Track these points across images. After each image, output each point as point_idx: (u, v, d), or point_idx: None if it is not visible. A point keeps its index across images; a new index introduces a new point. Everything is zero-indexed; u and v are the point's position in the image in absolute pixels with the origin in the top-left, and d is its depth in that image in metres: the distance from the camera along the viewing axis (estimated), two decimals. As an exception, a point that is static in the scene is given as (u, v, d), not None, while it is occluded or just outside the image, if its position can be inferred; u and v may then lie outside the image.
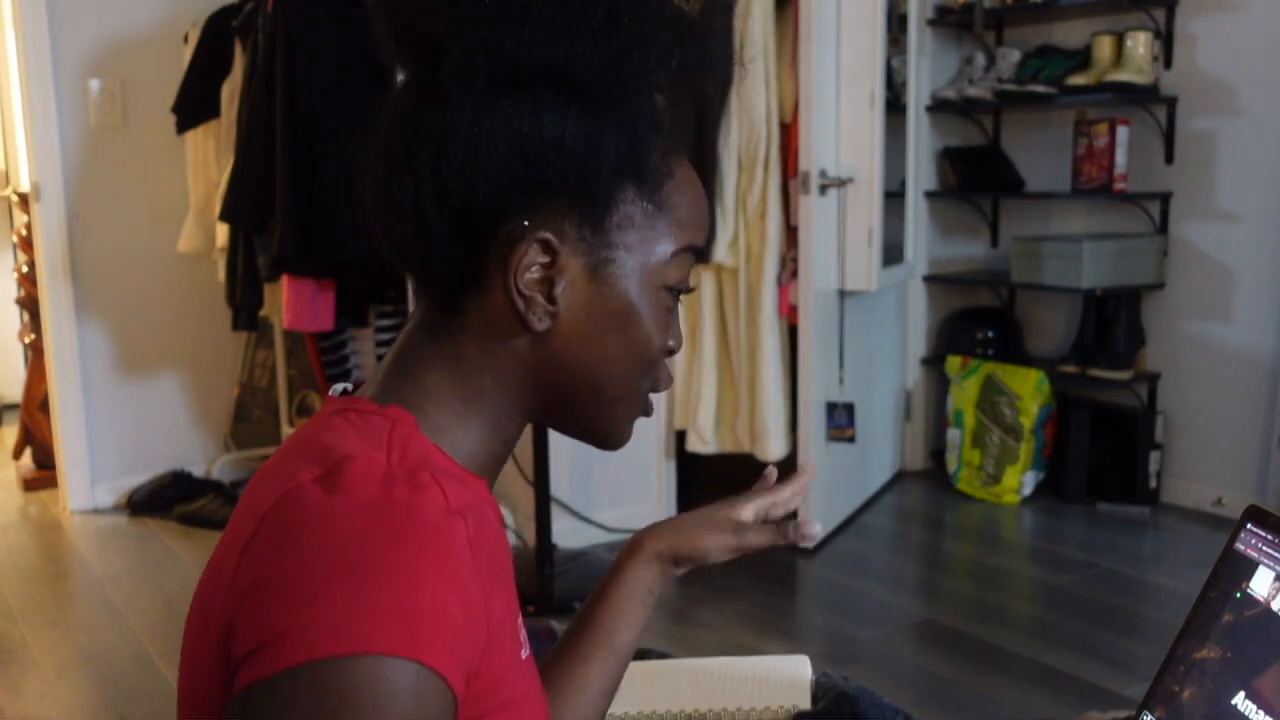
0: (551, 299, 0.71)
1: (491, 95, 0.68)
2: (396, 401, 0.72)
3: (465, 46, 0.67)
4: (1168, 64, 3.57)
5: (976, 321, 4.04)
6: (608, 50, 0.68)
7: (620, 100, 0.70)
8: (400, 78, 0.75)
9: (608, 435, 0.79)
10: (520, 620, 0.76)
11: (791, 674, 1.24)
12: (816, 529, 0.95)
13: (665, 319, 0.75)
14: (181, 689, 0.70)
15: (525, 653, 0.75)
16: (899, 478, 4.05)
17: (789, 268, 3.27)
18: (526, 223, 0.69)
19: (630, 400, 0.77)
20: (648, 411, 0.80)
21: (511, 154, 0.68)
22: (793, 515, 1.02)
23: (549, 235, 0.70)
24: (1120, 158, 3.57)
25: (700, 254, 0.77)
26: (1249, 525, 0.88)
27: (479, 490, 0.71)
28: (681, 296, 0.77)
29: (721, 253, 3.29)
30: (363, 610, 0.58)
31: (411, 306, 3.24)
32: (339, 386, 0.78)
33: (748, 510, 0.98)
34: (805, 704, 1.18)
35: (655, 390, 0.78)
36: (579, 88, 0.69)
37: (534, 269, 0.70)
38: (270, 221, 3.20)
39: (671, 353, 0.78)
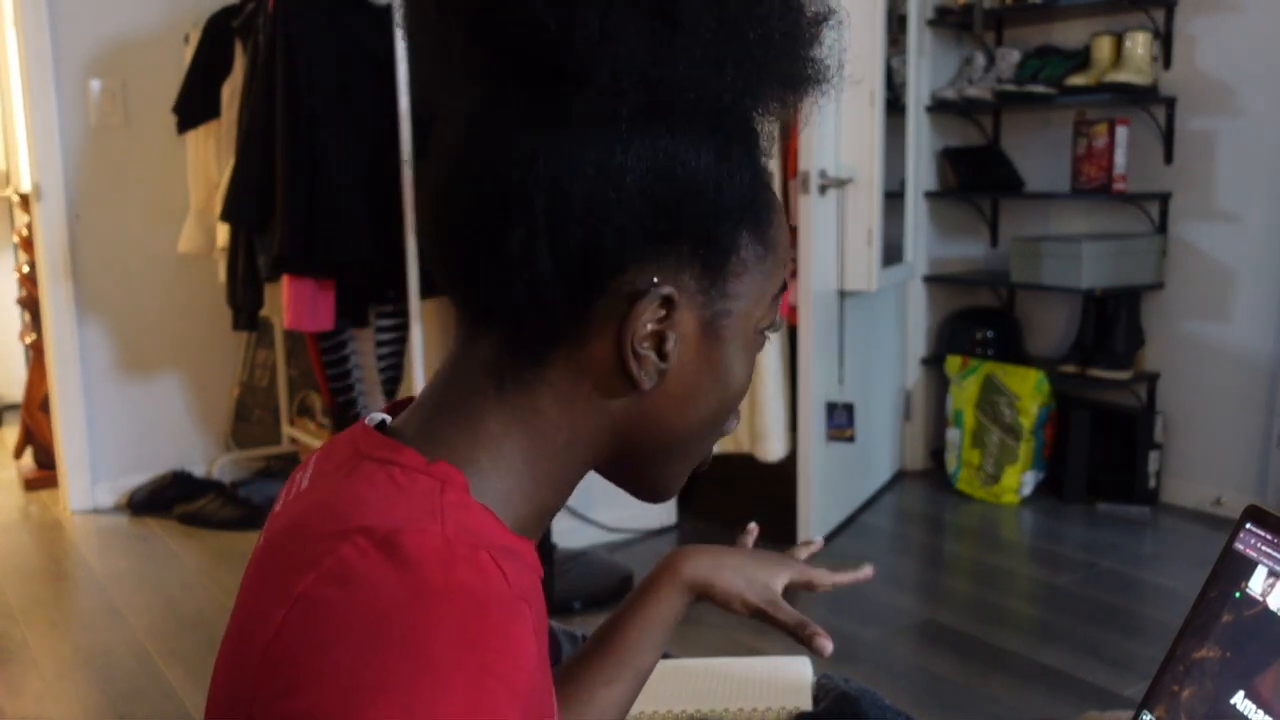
0: (663, 355, 0.63)
1: (632, 131, 0.59)
2: (446, 454, 0.63)
3: (612, 76, 0.58)
4: (1167, 64, 3.57)
5: (976, 321, 4.04)
6: (736, 77, 0.61)
7: (741, 133, 0.64)
8: (477, 98, 0.64)
9: (667, 489, 0.73)
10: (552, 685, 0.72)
11: (793, 675, 1.24)
12: (829, 647, 0.90)
13: (753, 363, 0.70)
14: None
15: None
16: (899, 478, 4.05)
17: (789, 268, 3.27)
18: (656, 279, 0.62)
19: (702, 453, 0.72)
20: (707, 462, 0.74)
21: (642, 198, 0.60)
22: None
23: (672, 290, 0.62)
24: (1120, 158, 3.58)
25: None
26: (1248, 525, 0.88)
27: (528, 557, 0.64)
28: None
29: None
30: (421, 715, 0.51)
31: (413, 309, 3.25)
32: (376, 417, 0.69)
33: (785, 578, 0.96)
34: (806, 705, 1.18)
35: (725, 434, 0.72)
36: (716, 122, 0.62)
37: (649, 325, 0.62)
38: (270, 221, 3.20)
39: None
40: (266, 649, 0.56)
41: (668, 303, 0.62)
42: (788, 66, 0.63)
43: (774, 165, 3.26)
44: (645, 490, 0.73)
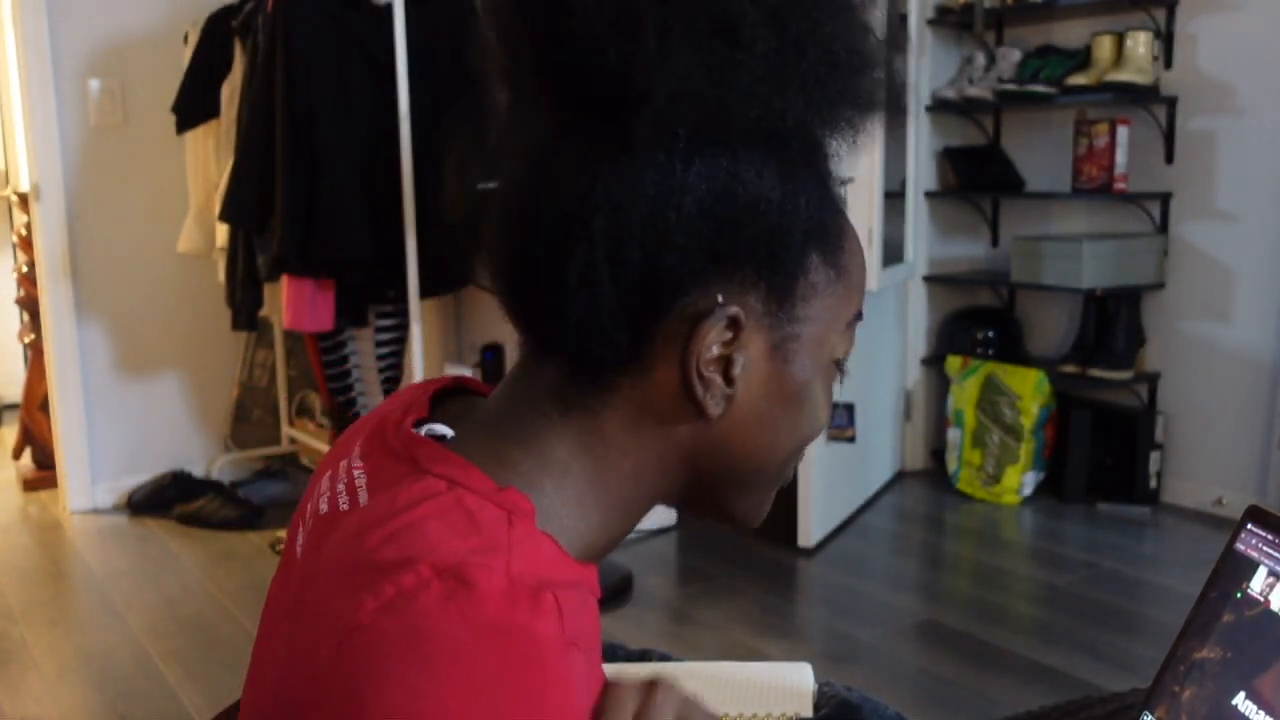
0: (729, 380, 0.63)
1: (690, 154, 0.59)
2: (514, 478, 0.61)
3: (669, 96, 0.58)
4: (1168, 64, 3.57)
5: (976, 321, 4.04)
6: (800, 99, 0.60)
7: (809, 156, 0.63)
8: (542, 117, 0.63)
9: (751, 517, 0.71)
10: None
11: (793, 681, 1.24)
12: None
13: (830, 395, 0.69)
14: None
15: None
16: (899, 478, 4.05)
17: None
18: (720, 298, 0.61)
19: (781, 480, 0.70)
20: (786, 481, 0.72)
21: (703, 218, 0.59)
22: None
23: (737, 310, 0.61)
24: (1120, 158, 3.57)
25: (860, 316, 0.69)
26: (1249, 525, 0.87)
27: (589, 581, 0.62)
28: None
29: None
30: None
31: (412, 309, 3.25)
32: (437, 429, 0.67)
33: None
34: (807, 712, 1.17)
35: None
36: (778, 142, 0.61)
37: (715, 348, 0.62)
38: (270, 221, 3.20)
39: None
40: (317, 676, 0.55)
41: (734, 325, 0.62)
42: (853, 87, 0.62)
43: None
44: (728, 519, 0.71)
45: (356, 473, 0.65)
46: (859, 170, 3.29)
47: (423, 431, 0.66)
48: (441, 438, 0.66)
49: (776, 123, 0.60)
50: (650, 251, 0.59)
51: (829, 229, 0.64)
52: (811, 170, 0.63)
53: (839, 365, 0.69)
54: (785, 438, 0.67)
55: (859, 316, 0.69)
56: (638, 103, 0.58)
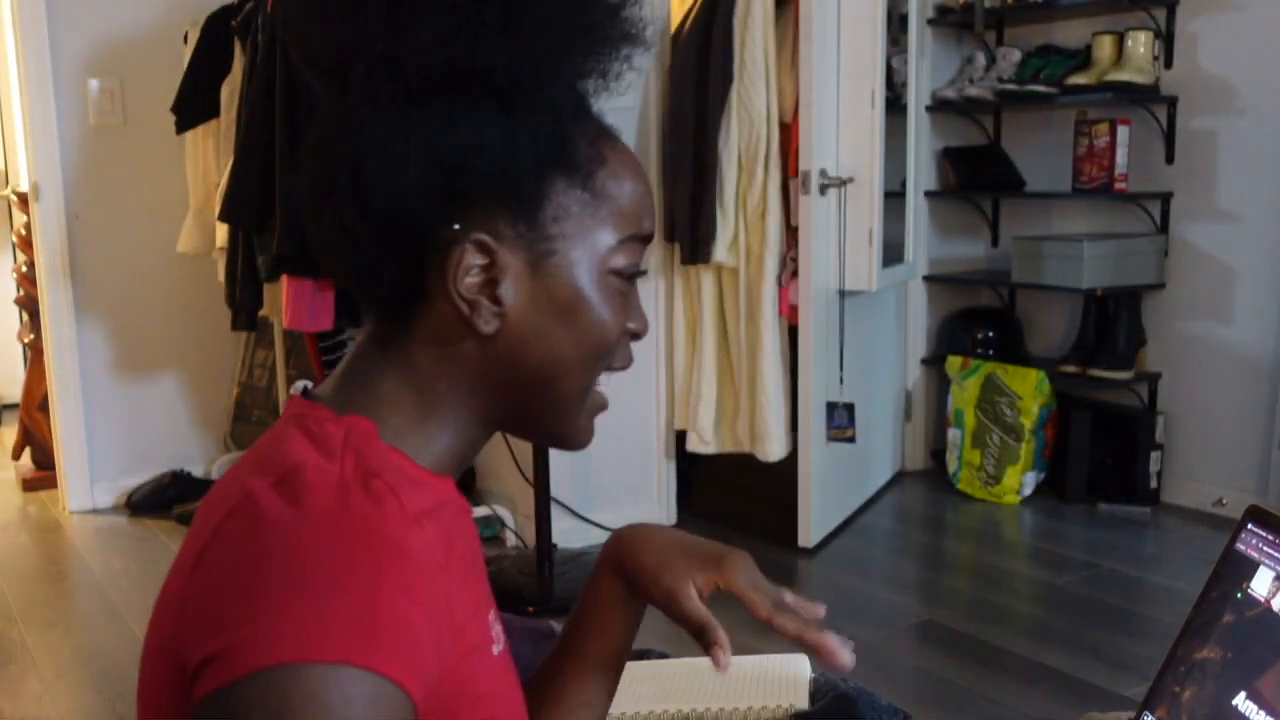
0: (496, 299, 0.70)
1: (399, 108, 0.66)
2: (354, 409, 0.71)
3: (364, 63, 0.67)
4: (1168, 64, 3.56)
5: (977, 321, 4.04)
6: (507, 47, 0.66)
7: (531, 94, 0.68)
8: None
9: (568, 434, 0.76)
10: (493, 615, 0.75)
11: (790, 674, 1.24)
12: (724, 660, 0.83)
13: (619, 302, 0.73)
14: (141, 713, 0.68)
15: (498, 648, 0.74)
16: (899, 478, 4.05)
17: (789, 268, 3.27)
18: (457, 226, 0.68)
19: (586, 396, 0.75)
20: (602, 406, 0.77)
21: (429, 164, 0.66)
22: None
23: (483, 236, 0.68)
24: (1120, 158, 3.57)
25: (646, 240, 0.75)
26: (1250, 525, 0.87)
27: (440, 490, 0.71)
28: (636, 280, 0.75)
29: (721, 253, 3.28)
30: (316, 619, 0.57)
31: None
32: (300, 384, 0.77)
33: (705, 577, 0.85)
34: (803, 704, 1.18)
35: (612, 370, 0.76)
36: (485, 89, 0.67)
37: (474, 271, 0.69)
38: (270, 221, 3.20)
39: (635, 335, 0.76)
40: (187, 581, 0.63)
41: (484, 249, 0.68)
42: (549, 29, 0.68)
43: (774, 165, 3.25)
44: (554, 436, 0.77)
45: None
46: (859, 170, 3.29)
47: (293, 390, 0.77)
48: (305, 390, 0.75)
49: (475, 73, 0.66)
50: (390, 197, 0.67)
51: (570, 155, 0.70)
52: (537, 105, 0.68)
53: (624, 276, 0.73)
54: (569, 346, 0.72)
55: (644, 238, 0.74)
56: (344, 67, 0.68)
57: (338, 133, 0.69)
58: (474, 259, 0.69)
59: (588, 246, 0.71)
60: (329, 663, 0.56)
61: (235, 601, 0.59)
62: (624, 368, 0.77)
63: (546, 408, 0.75)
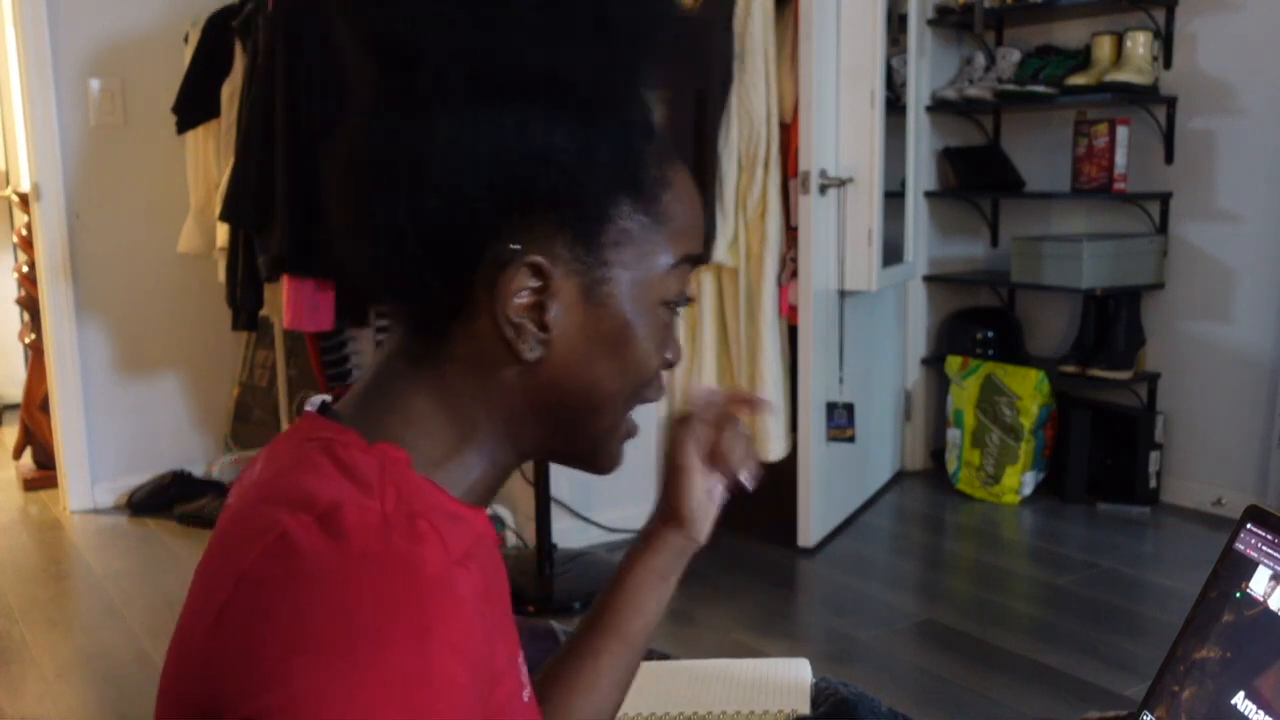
0: (543, 325, 0.65)
1: (473, 106, 0.62)
2: (384, 435, 0.66)
3: (444, 54, 0.62)
4: (1168, 64, 3.57)
5: (976, 321, 4.04)
6: (597, 55, 0.63)
7: (612, 107, 0.65)
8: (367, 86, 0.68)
9: (601, 462, 0.74)
10: (521, 659, 0.73)
11: (791, 678, 1.24)
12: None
13: (662, 335, 0.71)
14: None
15: (527, 694, 0.72)
16: (899, 478, 4.05)
17: (789, 268, 3.27)
18: (516, 246, 0.63)
19: (618, 423, 0.73)
20: (631, 433, 0.75)
21: (496, 169, 0.62)
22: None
23: (540, 259, 0.64)
24: (1120, 158, 3.57)
25: (697, 261, 0.72)
26: (1249, 525, 0.88)
27: (477, 524, 0.67)
28: (680, 309, 0.72)
29: (721, 253, 3.29)
30: (362, 684, 0.53)
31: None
32: (316, 399, 0.72)
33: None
34: (805, 708, 1.18)
35: (645, 402, 0.73)
36: (567, 96, 0.63)
37: (524, 294, 0.64)
38: (270, 221, 3.20)
39: (670, 366, 0.73)
40: (212, 629, 0.59)
41: (539, 272, 0.64)
42: (641, 41, 0.65)
43: (774, 165, 3.25)
44: (584, 462, 0.75)
45: (264, 455, 0.71)
46: (859, 170, 3.29)
47: (307, 406, 0.71)
48: (323, 406, 0.70)
49: (559, 77, 0.62)
50: (448, 201, 0.62)
51: (640, 176, 0.66)
52: (616, 120, 0.65)
53: (671, 307, 0.70)
54: (612, 379, 0.69)
55: (697, 260, 0.71)
56: (415, 60, 0.62)
57: (399, 125, 0.63)
58: (527, 281, 0.64)
59: (643, 273, 0.68)
60: None
61: (275, 658, 0.55)
62: (656, 400, 0.74)
63: (583, 438, 0.72)
